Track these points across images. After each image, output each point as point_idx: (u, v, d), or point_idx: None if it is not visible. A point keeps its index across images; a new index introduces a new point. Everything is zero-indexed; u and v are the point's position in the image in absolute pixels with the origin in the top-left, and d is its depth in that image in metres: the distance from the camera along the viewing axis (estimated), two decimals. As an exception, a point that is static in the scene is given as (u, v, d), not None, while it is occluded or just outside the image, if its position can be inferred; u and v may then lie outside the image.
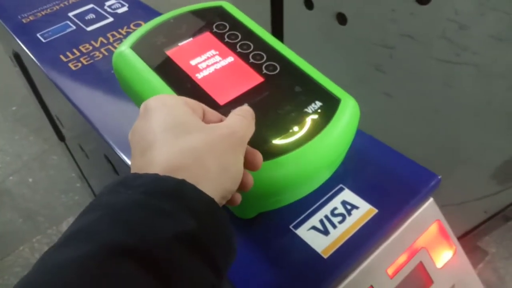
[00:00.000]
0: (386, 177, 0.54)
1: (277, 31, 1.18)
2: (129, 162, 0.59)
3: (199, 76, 0.51)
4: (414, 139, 1.08)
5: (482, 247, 1.38)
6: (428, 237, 0.54)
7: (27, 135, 1.99)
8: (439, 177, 0.53)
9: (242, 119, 0.39)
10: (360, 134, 0.57)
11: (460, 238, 1.20)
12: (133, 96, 0.55)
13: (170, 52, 0.53)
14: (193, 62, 0.52)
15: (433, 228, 0.54)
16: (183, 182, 0.30)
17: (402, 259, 0.52)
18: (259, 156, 0.40)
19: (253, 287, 0.46)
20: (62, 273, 0.24)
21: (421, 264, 0.52)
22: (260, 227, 0.51)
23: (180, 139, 0.34)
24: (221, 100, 0.49)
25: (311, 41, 1.15)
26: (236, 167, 0.36)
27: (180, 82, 0.51)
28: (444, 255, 0.55)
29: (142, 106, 0.38)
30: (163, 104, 0.37)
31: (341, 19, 1.01)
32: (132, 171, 0.34)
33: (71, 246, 0.26)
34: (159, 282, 0.25)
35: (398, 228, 0.52)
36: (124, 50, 0.53)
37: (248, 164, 0.39)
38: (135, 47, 0.54)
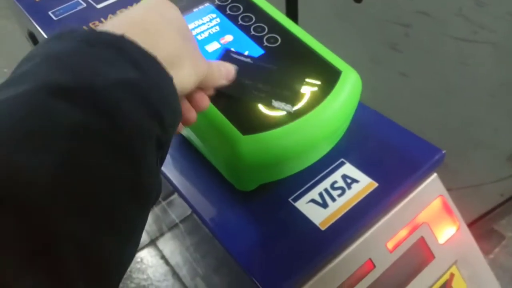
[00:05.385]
0: (389, 152, 0.53)
1: (292, 10, 1.17)
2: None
3: (201, 47, 0.51)
4: (429, 120, 1.06)
5: (499, 231, 1.35)
6: (431, 212, 0.53)
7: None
8: (443, 151, 0.52)
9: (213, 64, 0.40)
10: (363, 108, 0.57)
11: (476, 221, 1.18)
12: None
13: (172, 25, 0.53)
14: (194, 34, 0.52)
15: (436, 204, 0.53)
16: (123, 37, 0.29)
17: (402, 233, 0.51)
18: (206, 98, 0.40)
19: (250, 258, 0.46)
20: None
21: (422, 239, 0.51)
22: (259, 200, 0.51)
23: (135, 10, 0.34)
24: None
25: (326, 20, 1.13)
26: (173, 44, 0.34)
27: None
28: (447, 231, 0.54)
29: None
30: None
31: (357, -4, 0.99)
32: None
33: (10, 87, 0.25)
34: (102, 119, 0.25)
35: (399, 203, 0.51)
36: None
37: (195, 104, 0.39)
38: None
